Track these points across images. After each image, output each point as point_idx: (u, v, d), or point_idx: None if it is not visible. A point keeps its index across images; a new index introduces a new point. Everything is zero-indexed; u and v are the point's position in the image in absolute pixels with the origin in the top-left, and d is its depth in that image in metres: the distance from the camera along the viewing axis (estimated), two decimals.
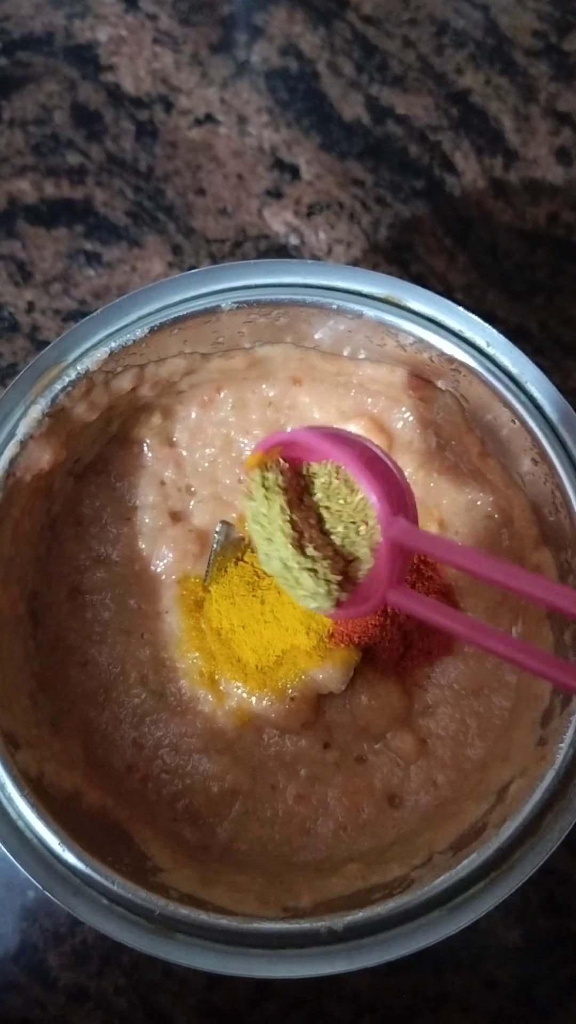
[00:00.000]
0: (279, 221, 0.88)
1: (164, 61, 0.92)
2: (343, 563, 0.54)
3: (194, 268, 0.86)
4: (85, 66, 0.92)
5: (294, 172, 0.89)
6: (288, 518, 0.54)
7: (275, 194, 0.88)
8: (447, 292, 0.86)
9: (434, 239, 0.88)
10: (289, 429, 0.69)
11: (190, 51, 0.92)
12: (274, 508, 0.54)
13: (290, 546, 0.54)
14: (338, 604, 0.54)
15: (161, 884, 0.54)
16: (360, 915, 0.51)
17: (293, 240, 0.87)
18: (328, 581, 0.54)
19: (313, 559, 0.53)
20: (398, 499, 0.52)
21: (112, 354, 0.59)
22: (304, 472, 0.56)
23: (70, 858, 0.52)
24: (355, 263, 0.87)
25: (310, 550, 0.53)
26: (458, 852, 0.54)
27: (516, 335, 0.85)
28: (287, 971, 0.51)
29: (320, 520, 0.55)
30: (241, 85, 0.91)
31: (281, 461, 0.55)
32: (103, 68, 0.92)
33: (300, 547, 0.54)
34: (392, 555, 0.51)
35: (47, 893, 0.52)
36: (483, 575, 0.47)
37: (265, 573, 0.64)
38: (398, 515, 0.51)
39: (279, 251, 0.87)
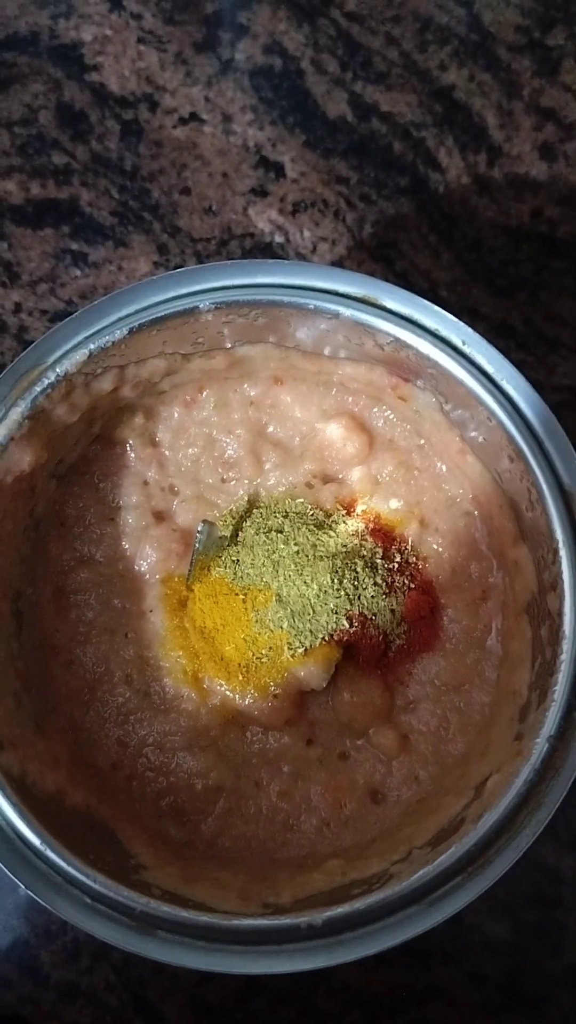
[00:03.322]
0: (264, 219, 0.88)
1: (149, 60, 0.92)
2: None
3: (180, 267, 0.86)
4: (70, 66, 0.92)
5: (279, 170, 0.89)
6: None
7: (260, 192, 0.89)
8: (431, 289, 0.86)
9: (418, 236, 0.88)
10: (271, 428, 0.70)
11: (174, 50, 0.92)
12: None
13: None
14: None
15: (143, 882, 0.55)
16: (339, 910, 0.52)
17: (278, 238, 0.88)
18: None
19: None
20: None
21: (91, 356, 0.60)
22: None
23: (52, 857, 0.53)
24: (340, 261, 0.87)
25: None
26: (436, 847, 0.54)
27: (500, 331, 0.85)
28: (267, 967, 0.52)
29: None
30: (225, 83, 0.91)
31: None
32: (88, 68, 0.92)
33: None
34: None
35: (29, 892, 0.52)
36: None
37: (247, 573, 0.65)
38: None
39: (264, 249, 0.88)
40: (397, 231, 0.88)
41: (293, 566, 0.63)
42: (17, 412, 0.59)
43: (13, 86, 0.91)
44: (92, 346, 0.60)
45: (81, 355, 0.60)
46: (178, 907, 0.52)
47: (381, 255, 0.87)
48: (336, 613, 0.63)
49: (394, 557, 0.66)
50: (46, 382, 0.59)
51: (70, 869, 0.53)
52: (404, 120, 0.91)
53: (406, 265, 0.87)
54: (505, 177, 0.89)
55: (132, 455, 0.69)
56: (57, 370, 0.59)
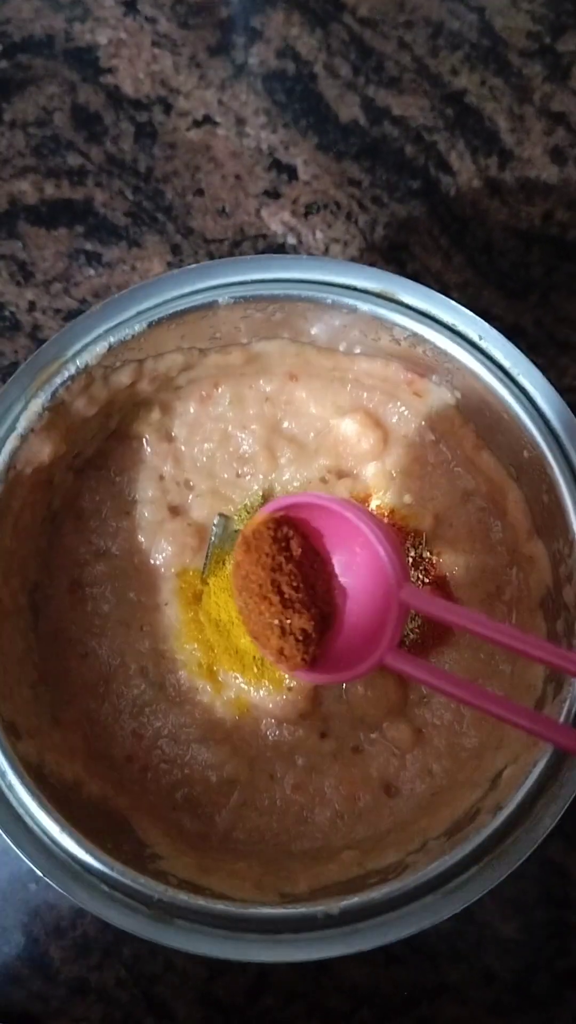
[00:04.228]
0: (277, 221, 0.89)
1: (163, 63, 0.93)
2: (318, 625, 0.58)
3: None
4: (85, 68, 0.93)
5: (291, 172, 0.90)
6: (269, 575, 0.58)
7: (273, 194, 0.89)
8: (443, 291, 0.85)
9: (430, 238, 0.88)
10: (285, 424, 0.70)
11: (188, 53, 0.93)
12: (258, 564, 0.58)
13: (267, 597, 0.58)
14: (311, 666, 0.57)
15: (160, 871, 0.55)
16: (356, 900, 0.52)
17: (291, 240, 0.88)
18: (293, 634, 0.57)
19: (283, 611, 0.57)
20: (402, 566, 0.56)
21: (111, 349, 0.60)
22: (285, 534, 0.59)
23: (70, 845, 0.53)
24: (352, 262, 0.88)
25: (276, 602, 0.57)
26: (452, 838, 0.55)
27: (511, 333, 0.85)
28: (284, 955, 0.52)
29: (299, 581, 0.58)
30: (239, 87, 0.92)
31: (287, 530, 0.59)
32: (103, 70, 0.93)
33: (276, 598, 0.57)
34: (398, 619, 0.55)
35: (47, 880, 0.53)
36: (486, 637, 0.50)
37: None
38: (404, 582, 0.54)
39: (277, 250, 0.88)
40: (409, 233, 0.89)
41: None
42: (37, 403, 0.59)
43: (28, 88, 0.92)
44: (112, 339, 0.60)
45: (101, 348, 0.60)
46: (195, 895, 0.52)
47: (393, 257, 0.88)
48: None
49: (408, 552, 0.66)
50: (66, 374, 0.60)
51: (88, 857, 0.53)
52: (416, 124, 0.91)
53: (418, 267, 0.88)
54: (516, 180, 0.90)
55: (148, 450, 0.70)
56: (77, 363, 0.60)
